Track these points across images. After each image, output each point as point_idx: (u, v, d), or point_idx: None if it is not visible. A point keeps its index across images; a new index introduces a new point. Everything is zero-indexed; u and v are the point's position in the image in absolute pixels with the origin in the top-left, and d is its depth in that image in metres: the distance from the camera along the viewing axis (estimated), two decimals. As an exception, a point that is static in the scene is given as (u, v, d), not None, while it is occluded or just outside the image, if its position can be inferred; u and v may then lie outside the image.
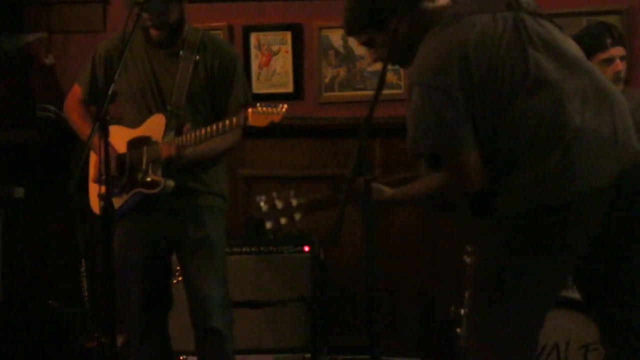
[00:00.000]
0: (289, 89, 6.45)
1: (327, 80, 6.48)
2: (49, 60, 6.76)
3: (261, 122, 4.72)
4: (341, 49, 6.44)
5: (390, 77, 6.30)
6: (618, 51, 5.21)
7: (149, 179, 4.97)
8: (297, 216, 4.00)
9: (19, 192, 6.15)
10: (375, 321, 3.93)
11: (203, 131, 4.82)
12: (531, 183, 3.67)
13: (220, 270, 5.14)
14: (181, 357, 5.78)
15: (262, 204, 3.96)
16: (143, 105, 5.09)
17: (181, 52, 5.07)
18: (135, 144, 5.04)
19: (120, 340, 5.75)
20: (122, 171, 4.99)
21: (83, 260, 6.30)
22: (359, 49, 6.35)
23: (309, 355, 5.80)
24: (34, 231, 6.59)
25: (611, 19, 6.06)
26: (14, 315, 5.90)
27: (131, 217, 5.05)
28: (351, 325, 5.98)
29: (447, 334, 5.74)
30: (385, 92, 4.00)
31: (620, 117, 3.76)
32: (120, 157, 5.00)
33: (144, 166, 4.98)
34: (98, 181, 4.83)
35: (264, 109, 4.71)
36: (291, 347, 5.82)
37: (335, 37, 6.42)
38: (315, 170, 6.45)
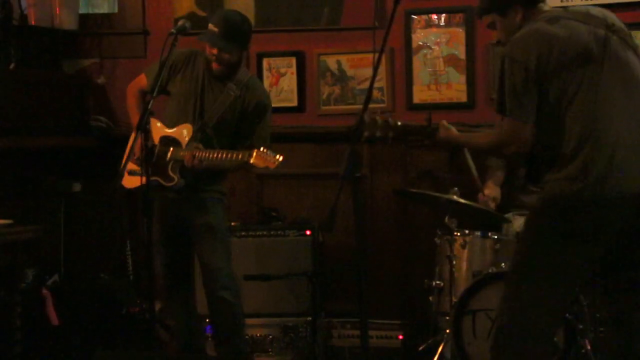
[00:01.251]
0: (294, 103, 6.43)
1: (324, 96, 6.44)
2: (101, 80, 6.74)
3: (260, 164, 4.73)
4: (336, 72, 6.40)
5: (375, 93, 6.26)
6: None
7: (169, 174, 4.97)
8: (391, 134, 3.97)
9: (77, 186, 6.15)
10: (364, 290, 3.91)
11: (218, 154, 4.83)
12: (576, 179, 3.64)
13: (223, 249, 5.15)
14: (207, 320, 5.75)
15: (365, 116, 3.93)
16: (183, 111, 5.08)
17: (229, 84, 5.07)
18: (166, 141, 5.04)
19: (158, 306, 5.74)
20: (149, 159, 4.94)
21: (127, 241, 6.29)
22: (350, 71, 6.34)
23: (309, 318, 5.77)
24: (88, 218, 6.57)
25: None
26: (74, 287, 5.89)
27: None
28: (344, 294, 5.95)
29: (421, 301, 5.71)
30: (371, 105, 3.94)
31: None
32: (152, 148, 4.96)
33: (167, 161, 4.98)
34: (136, 161, 4.89)
35: (266, 155, 4.72)
36: (295, 312, 5.80)
37: (331, 62, 6.39)
38: (315, 169, 6.43)
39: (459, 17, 6.26)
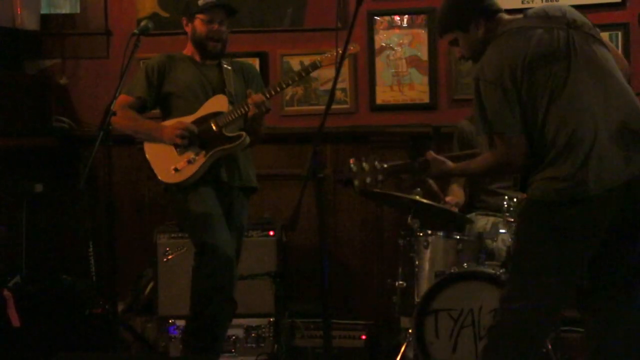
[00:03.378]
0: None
1: (287, 97, 6.45)
2: (63, 81, 6.71)
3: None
4: (299, 72, 6.41)
5: (338, 94, 6.29)
6: None
7: (230, 134, 4.96)
8: (380, 177, 3.97)
9: (39, 187, 6.10)
10: (327, 291, 3.92)
11: (285, 82, 5.05)
12: (559, 179, 3.66)
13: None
14: (170, 321, 5.75)
15: (352, 165, 3.93)
16: (193, 99, 5.06)
17: (223, 62, 5.15)
18: (199, 122, 5.00)
19: (120, 307, 5.72)
20: (190, 143, 4.95)
21: (90, 242, 6.25)
22: (313, 72, 6.33)
23: (272, 319, 5.78)
24: (50, 219, 6.53)
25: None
26: (36, 288, 5.85)
27: (201, 186, 5.02)
28: (307, 295, 5.95)
29: (384, 301, 5.74)
30: (334, 106, 3.96)
31: (638, 132, 3.73)
32: (187, 128, 4.96)
33: (218, 130, 4.96)
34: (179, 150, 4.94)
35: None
36: (258, 312, 5.79)
37: (295, 62, 6.39)
38: (279, 169, 6.43)
39: (421, 18, 6.29)
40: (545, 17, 3.85)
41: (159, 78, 5.09)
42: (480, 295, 4.94)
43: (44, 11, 6.78)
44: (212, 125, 4.97)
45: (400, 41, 6.31)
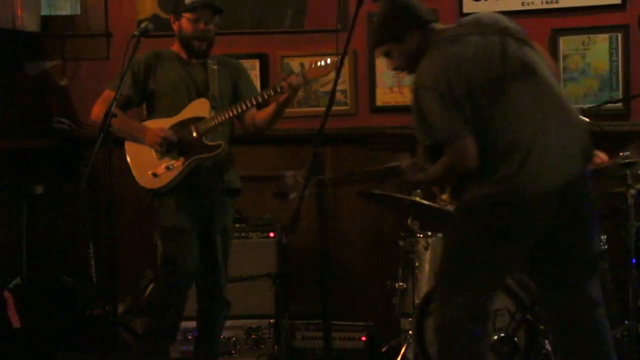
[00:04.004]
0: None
1: (288, 98, 6.45)
2: (64, 82, 6.71)
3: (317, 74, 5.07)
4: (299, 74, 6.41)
5: (338, 96, 6.29)
6: None
7: (209, 144, 4.98)
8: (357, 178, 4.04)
9: (39, 189, 6.10)
10: (327, 292, 3.93)
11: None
12: (493, 182, 3.70)
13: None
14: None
15: (287, 179, 3.95)
16: (177, 98, 5.05)
17: (209, 61, 5.12)
18: (180, 126, 5.02)
19: (121, 308, 5.72)
20: (170, 149, 4.97)
21: (91, 244, 6.26)
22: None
23: (273, 320, 5.78)
24: (51, 220, 6.54)
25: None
26: (36, 289, 5.86)
27: (177, 193, 5.02)
28: (308, 296, 5.95)
29: (384, 303, 5.74)
30: (334, 108, 3.97)
31: (573, 135, 3.79)
32: (167, 138, 4.97)
33: (196, 136, 4.97)
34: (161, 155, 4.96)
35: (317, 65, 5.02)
36: (259, 314, 5.81)
37: (295, 64, 6.39)
38: (279, 171, 6.39)
39: (421, 20, 6.29)
40: (480, 25, 3.88)
41: (145, 75, 5.09)
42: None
43: (44, 12, 6.78)
44: (193, 131, 4.98)
45: (400, 42, 6.30)
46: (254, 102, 4.97)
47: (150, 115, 5.14)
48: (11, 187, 6.13)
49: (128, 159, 5.06)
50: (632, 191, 4.90)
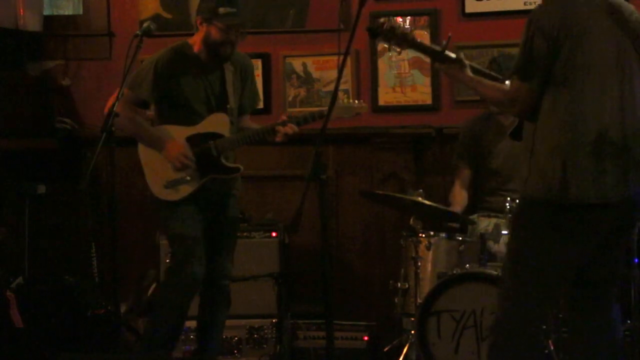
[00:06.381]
0: (260, 105, 6.41)
1: (290, 98, 6.46)
2: (66, 82, 6.72)
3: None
4: (302, 74, 6.42)
5: (341, 95, 6.29)
6: None
7: (229, 165, 5.00)
8: (405, 45, 4.04)
9: (41, 188, 6.11)
10: (329, 292, 3.92)
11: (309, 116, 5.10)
12: (564, 181, 3.67)
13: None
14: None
15: (382, 20, 3.95)
16: (195, 107, 4.99)
17: (225, 64, 5.06)
18: (197, 139, 4.98)
19: (123, 308, 5.72)
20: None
21: (93, 243, 6.26)
22: (316, 73, 6.36)
23: (275, 320, 5.78)
24: (53, 220, 6.54)
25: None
26: (38, 289, 5.85)
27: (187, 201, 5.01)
28: (310, 296, 5.95)
29: (387, 302, 5.73)
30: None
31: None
32: (188, 165, 4.94)
33: (216, 154, 4.96)
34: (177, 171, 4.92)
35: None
36: (261, 313, 5.81)
37: (297, 64, 6.40)
38: (281, 170, 6.43)
39: (423, 19, 6.29)
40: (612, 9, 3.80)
41: (166, 81, 4.97)
42: (482, 296, 4.94)
43: (46, 12, 6.78)
44: (212, 148, 4.95)
45: (402, 42, 6.30)
46: (262, 137, 5.01)
47: (163, 118, 5.05)
48: (13, 187, 6.14)
49: (142, 164, 5.03)
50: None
